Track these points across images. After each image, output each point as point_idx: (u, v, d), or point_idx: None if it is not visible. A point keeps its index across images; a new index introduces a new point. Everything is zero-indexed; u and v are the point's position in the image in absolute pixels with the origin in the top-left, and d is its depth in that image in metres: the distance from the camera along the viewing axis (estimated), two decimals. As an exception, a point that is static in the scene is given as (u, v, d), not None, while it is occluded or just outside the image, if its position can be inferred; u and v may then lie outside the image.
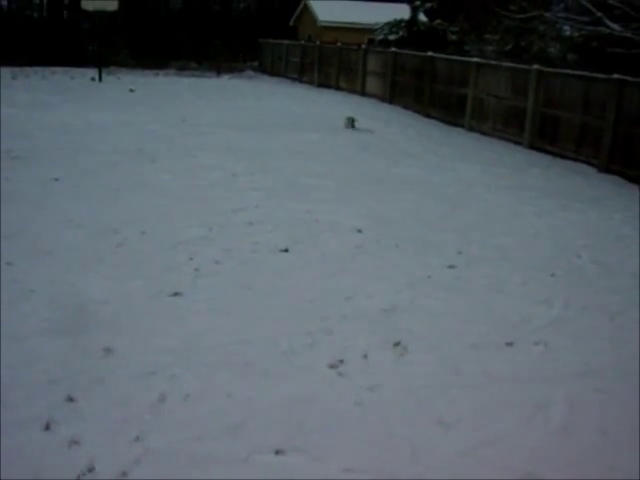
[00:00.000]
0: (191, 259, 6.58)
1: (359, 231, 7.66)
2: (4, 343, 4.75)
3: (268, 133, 14.49)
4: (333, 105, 20.66)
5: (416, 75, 19.79)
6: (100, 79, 26.44)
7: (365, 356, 4.81)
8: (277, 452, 3.66)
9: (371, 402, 4.22)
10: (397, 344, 5.00)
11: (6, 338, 4.83)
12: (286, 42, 33.30)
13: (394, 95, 21.29)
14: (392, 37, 27.87)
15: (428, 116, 18.59)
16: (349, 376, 4.53)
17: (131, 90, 22.75)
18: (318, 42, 29.47)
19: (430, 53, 19.23)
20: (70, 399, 4.13)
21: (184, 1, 48.52)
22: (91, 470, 3.49)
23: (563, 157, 12.99)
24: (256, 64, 37.80)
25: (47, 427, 3.84)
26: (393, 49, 22.15)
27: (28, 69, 31.26)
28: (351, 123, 15.73)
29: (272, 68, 34.36)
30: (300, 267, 6.51)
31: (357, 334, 5.14)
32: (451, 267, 6.67)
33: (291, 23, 41.83)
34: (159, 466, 3.54)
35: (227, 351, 4.79)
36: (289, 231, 7.51)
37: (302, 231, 7.55)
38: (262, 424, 3.92)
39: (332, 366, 4.64)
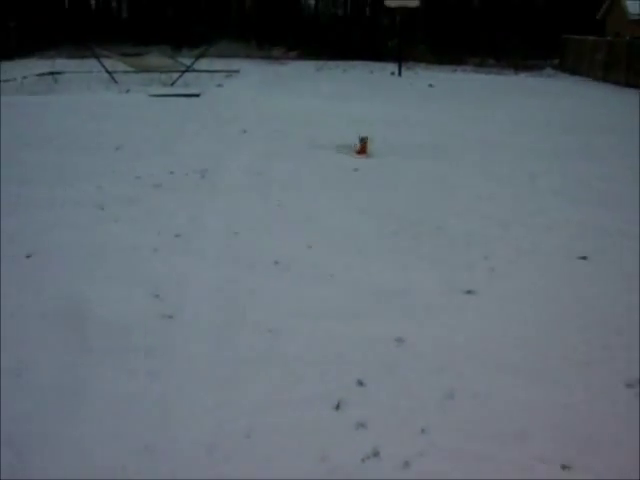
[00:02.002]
0: (486, 258, 6.52)
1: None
2: (309, 322, 5.06)
3: (565, 134, 13.88)
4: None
5: None
6: (400, 73, 27.12)
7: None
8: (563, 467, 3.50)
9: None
10: None
11: (301, 317, 5.14)
12: (590, 38, 31.65)
13: None
14: None
15: None
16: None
17: (430, 85, 23.06)
18: (628, 37, 27.66)
19: None
20: (360, 383, 4.28)
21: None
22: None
23: None
24: (557, 62, 36.41)
25: (337, 407, 4.02)
26: None
27: (331, 63, 32.91)
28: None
29: (574, 67, 32.84)
30: (597, 277, 6.18)
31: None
32: None
33: (598, 17, 39.68)
34: (441, 462, 3.54)
35: (517, 355, 4.67)
36: (587, 237, 7.15)
37: (603, 240, 7.15)
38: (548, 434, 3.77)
39: (629, 385, 4.34)
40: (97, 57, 23.56)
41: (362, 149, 10.99)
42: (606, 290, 5.82)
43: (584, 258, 6.55)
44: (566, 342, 4.86)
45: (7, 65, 27.13)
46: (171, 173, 9.65)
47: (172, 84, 21.45)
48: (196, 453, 3.56)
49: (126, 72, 23.41)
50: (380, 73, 28.05)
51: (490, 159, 11.18)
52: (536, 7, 47.16)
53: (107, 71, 22.40)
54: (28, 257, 6.33)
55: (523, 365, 4.52)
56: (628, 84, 25.23)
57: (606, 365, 4.56)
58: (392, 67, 28.25)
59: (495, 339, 4.90)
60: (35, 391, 4.12)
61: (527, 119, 15.90)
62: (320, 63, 32.55)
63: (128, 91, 19.75)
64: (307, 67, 30.77)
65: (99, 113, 15.46)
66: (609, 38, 30.50)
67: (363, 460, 3.54)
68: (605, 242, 7.03)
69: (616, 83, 26.33)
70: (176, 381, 4.25)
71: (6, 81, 21.58)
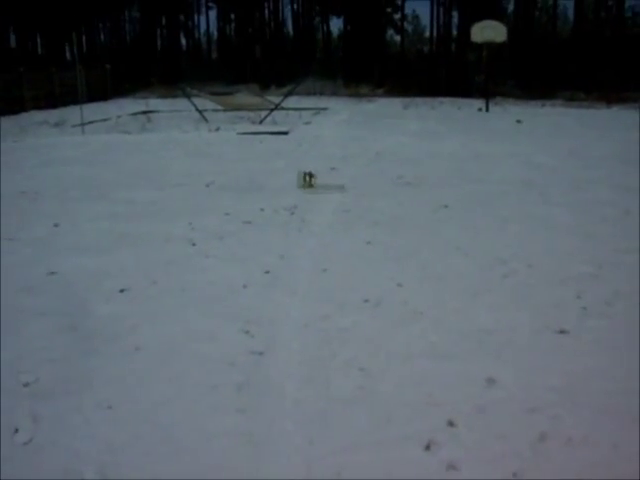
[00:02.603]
0: (579, 297, 6.36)
1: None
2: (393, 361, 5.04)
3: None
4: None
5: None
6: (487, 109, 26.94)
7: None
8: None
9: None
10: None
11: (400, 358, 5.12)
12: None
13: None
14: None
15: None
16: None
17: (518, 121, 22.82)
18: None
19: None
20: (451, 424, 4.23)
21: (573, 29, 47.41)
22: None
23: None
24: (655, 94, 35.46)
25: (427, 447, 3.97)
26: None
27: (418, 99, 33.02)
28: None
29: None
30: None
31: None
32: None
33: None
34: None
35: (611, 398, 4.52)
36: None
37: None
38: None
39: None
40: (188, 96, 24.29)
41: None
42: None
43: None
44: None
45: (102, 105, 28.27)
46: (261, 210, 9.81)
47: (261, 122, 21.88)
48: (287, 491, 3.57)
49: (215, 111, 24.05)
50: (468, 109, 27.94)
51: (577, 193, 10.97)
52: (629, 35, 46.12)
53: (197, 109, 23.03)
54: (121, 291, 6.55)
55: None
56: None
57: None
58: (479, 103, 28.11)
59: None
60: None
61: (620, 154, 15.51)
62: (407, 100, 32.65)
63: (218, 129, 20.24)
64: (394, 104, 30.92)
65: (190, 151, 15.89)
66: None
67: (454, 503, 3.49)
68: None
69: None
70: (266, 418, 4.28)
71: (102, 120, 22.47)
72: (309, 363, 5.05)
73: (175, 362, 5.07)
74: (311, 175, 11.25)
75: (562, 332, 5.61)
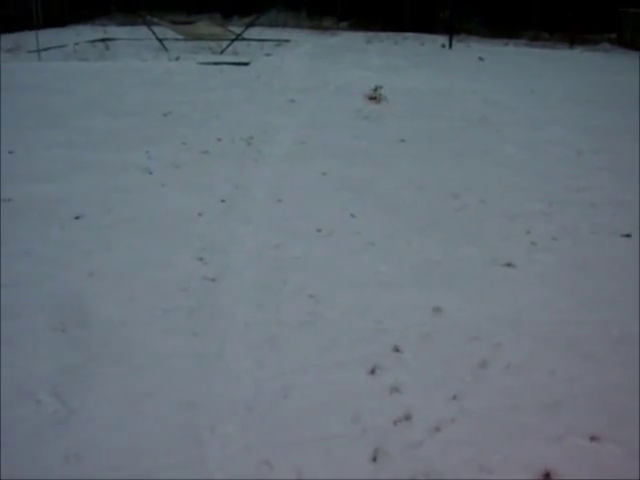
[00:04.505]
0: (528, 232, 6.53)
1: None
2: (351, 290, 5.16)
3: (620, 112, 13.65)
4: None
5: None
6: (450, 46, 26.82)
7: None
8: (592, 438, 3.56)
9: None
10: None
11: (350, 286, 5.24)
12: (647, 11, 30.95)
13: None
14: None
15: None
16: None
17: (480, 58, 22.79)
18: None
19: None
20: (396, 349, 4.38)
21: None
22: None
23: None
24: (614, 36, 35.63)
25: (372, 371, 4.12)
26: None
27: (382, 34, 32.70)
28: None
29: (632, 41, 32.12)
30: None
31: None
32: None
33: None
34: (471, 430, 3.62)
35: (554, 329, 4.71)
36: (633, 217, 7.08)
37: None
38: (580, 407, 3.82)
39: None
40: (148, 25, 23.78)
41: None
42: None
43: (628, 236, 6.53)
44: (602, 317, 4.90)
45: (59, 31, 27.53)
46: (218, 140, 9.78)
47: (222, 52, 21.55)
48: (235, 410, 3.69)
49: (176, 40, 23.60)
50: (431, 45, 27.78)
51: (533, 132, 11.13)
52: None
53: (157, 38, 22.57)
54: (77, 218, 6.54)
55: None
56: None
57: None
58: (443, 39, 27.94)
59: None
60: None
61: (579, 94, 15.65)
62: (371, 35, 32.33)
63: (178, 58, 19.90)
64: (358, 38, 30.57)
65: (149, 80, 15.66)
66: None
67: (395, 423, 3.64)
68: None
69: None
70: (217, 341, 4.39)
71: (58, 47, 21.93)
72: (260, 289, 5.15)
73: (128, 287, 5.13)
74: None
75: (509, 265, 5.77)
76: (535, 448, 3.45)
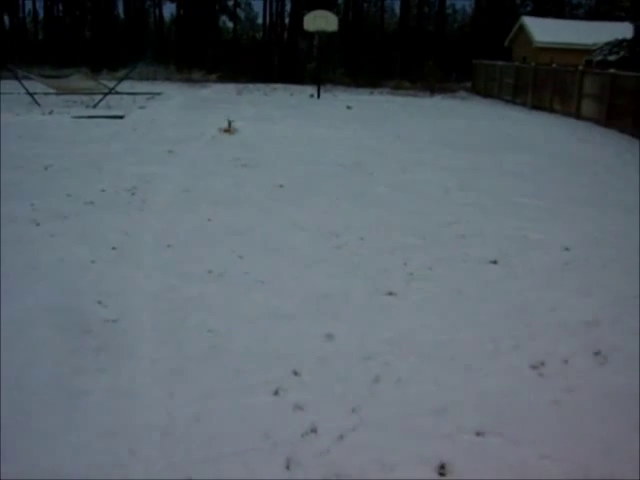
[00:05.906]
0: (405, 264, 7.08)
1: (566, 249, 7.80)
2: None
3: (480, 153, 14.73)
4: (546, 128, 20.51)
5: (636, 98, 19.24)
6: (319, 96, 27.83)
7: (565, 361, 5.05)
8: (477, 433, 4.03)
9: (566, 402, 4.47)
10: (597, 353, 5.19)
11: (246, 320, 5.56)
12: (500, 63, 33.22)
13: (610, 118, 20.76)
14: (612, 58, 26.98)
15: (647, 141, 18.02)
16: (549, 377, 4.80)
17: (348, 107, 23.80)
18: (533, 63, 29.16)
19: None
20: (296, 373, 4.73)
21: (399, 23, 49.58)
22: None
23: None
24: (469, 85, 37.94)
25: (276, 392, 4.46)
26: (612, 71, 21.67)
27: (251, 85, 33.50)
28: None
29: (485, 89, 34.37)
30: (507, 278, 6.80)
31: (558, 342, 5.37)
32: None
33: (506, 44, 41.54)
34: (372, 435, 4.01)
35: (436, 347, 5.20)
36: (498, 245, 7.79)
37: (511, 246, 7.80)
38: (465, 408, 4.30)
39: (534, 367, 4.92)
40: (18, 79, 23.45)
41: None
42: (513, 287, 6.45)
43: (495, 262, 7.20)
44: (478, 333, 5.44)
45: None
46: (102, 191, 9.93)
47: (95, 106, 21.54)
48: (152, 436, 3.93)
49: (47, 94, 23.39)
50: (300, 95, 28.76)
51: (404, 174, 11.87)
52: (448, 33, 49.16)
53: (28, 92, 22.31)
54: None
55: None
56: (534, 107, 26.69)
57: (514, 353, 5.14)
58: (311, 90, 28.98)
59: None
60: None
61: (443, 138, 16.71)
62: (240, 86, 33.05)
63: (51, 112, 19.76)
64: (228, 90, 31.24)
65: (24, 134, 15.52)
66: (517, 63, 32.05)
67: (302, 435, 3.98)
68: (511, 248, 7.70)
69: (523, 105, 27.83)
70: (126, 376, 4.61)
71: None
72: (161, 328, 5.40)
73: (31, 332, 5.25)
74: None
75: (391, 294, 6.27)
76: (430, 446, 3.90)
